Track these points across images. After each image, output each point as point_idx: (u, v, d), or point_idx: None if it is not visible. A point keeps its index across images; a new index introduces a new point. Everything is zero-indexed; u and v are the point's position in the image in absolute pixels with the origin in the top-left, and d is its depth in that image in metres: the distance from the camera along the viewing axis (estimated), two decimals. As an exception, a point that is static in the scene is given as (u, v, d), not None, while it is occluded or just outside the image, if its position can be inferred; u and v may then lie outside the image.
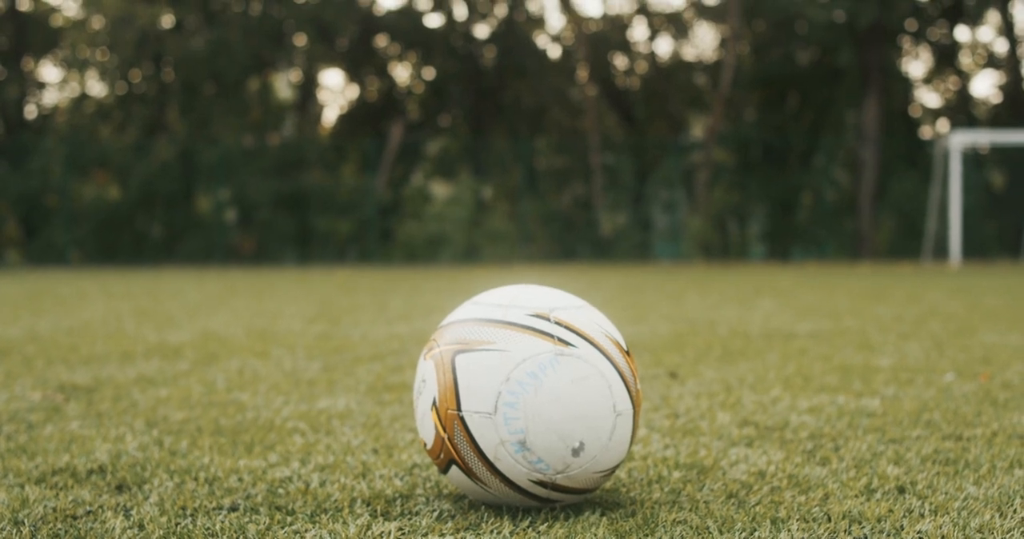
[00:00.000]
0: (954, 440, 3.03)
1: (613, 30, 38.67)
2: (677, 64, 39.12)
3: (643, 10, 38.42)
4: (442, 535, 2.15)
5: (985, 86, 43.65)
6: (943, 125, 38.61)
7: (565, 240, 33.16)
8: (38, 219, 31.97)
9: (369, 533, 2.16)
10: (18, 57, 34.72)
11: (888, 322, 7.46)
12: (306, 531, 2.18)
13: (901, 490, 2.43)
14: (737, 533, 2.11)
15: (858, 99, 34.80)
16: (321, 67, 38.00)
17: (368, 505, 2.39)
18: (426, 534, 2.16)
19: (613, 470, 2.39)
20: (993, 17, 37.11)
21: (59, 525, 2.21)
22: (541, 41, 39.08)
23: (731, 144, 36.01)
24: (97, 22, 34.31)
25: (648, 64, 38.65)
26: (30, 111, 35.89)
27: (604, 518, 2.25)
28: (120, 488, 2.54)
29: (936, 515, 2.20)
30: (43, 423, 3.43)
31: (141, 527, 2.20)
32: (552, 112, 38.81)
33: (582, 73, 36.63)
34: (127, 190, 32.21)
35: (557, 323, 2.40)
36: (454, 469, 2.36)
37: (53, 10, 36.01)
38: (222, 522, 2.22)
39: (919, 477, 2.54)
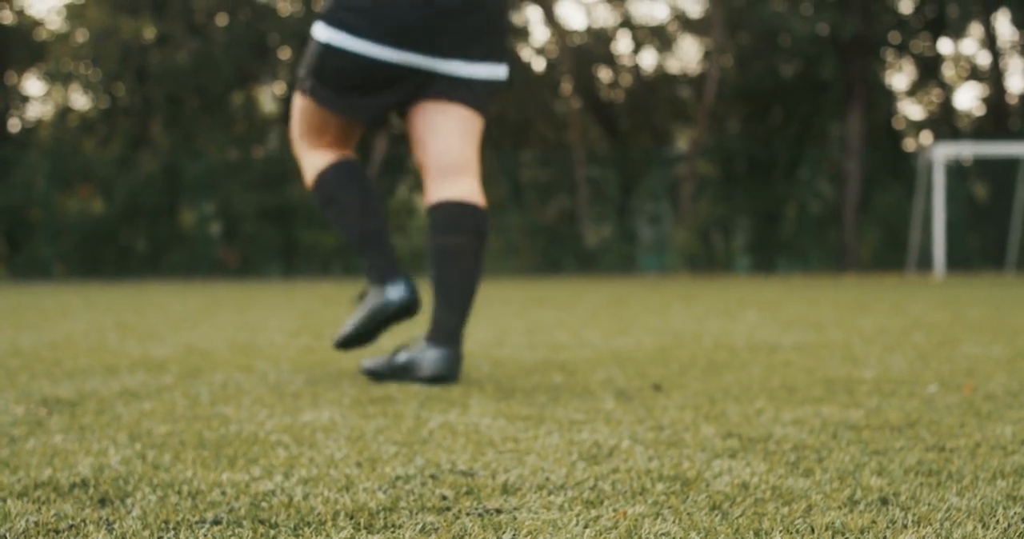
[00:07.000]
0: (937, 451, 3.04)
1: (597, 43, 38.78)
2: (661, 77, 39.24)
3: (627, 23, 38.53)
4: (425, 548, 2.15)
5: (968, 98, 44.06)
6: (926, 137, 38.80)
7: (550, 253, 33.19)
8: (21, 233, 31.89)
9: (352, 546, 2.15)
10: (1, 71, 34.66)
11: (872, 334, 7.48)
12: (289, 544, 2.17)
13: (884, 501, 2.44)
14: (720, 545, 2.11)
15: (842, 111, 34.95)
16: (306, 80, 37.98)
17: (351, 518, 2.38)
18: (409, 547, 2.16)
19: None
20: (976, 30, 37.32)
21: (41, 539, 2.20)
22: (525, 54, 39.15)
23: (715, 156, 36.12)
24: (81, 35, 34.27)
25: (632, 77, 38.74)
26: (13, 124, 35.82)
27: (587, 530, 2.25)
28: (103, 502, 2.53)
29: (919, 526, 2.20)
30: (26, 437, 3.42)
31: (123, 541, 2.19)
32: (536, 125, 38.87)
33: (566, 86, 36.71)
34: (111, 204, 32.15)
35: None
36: None
37: (37, 23, 35.96)
38: (204, 535, 2.22)
39: (902, 488, 2.54)
